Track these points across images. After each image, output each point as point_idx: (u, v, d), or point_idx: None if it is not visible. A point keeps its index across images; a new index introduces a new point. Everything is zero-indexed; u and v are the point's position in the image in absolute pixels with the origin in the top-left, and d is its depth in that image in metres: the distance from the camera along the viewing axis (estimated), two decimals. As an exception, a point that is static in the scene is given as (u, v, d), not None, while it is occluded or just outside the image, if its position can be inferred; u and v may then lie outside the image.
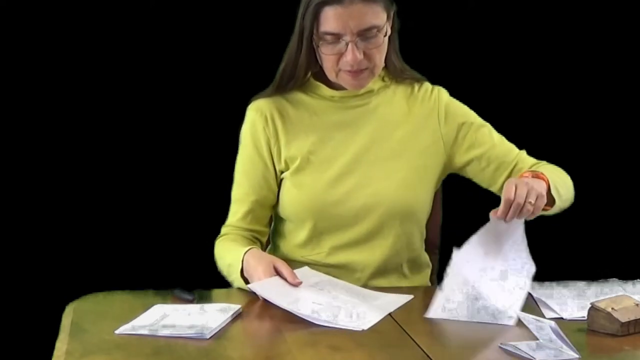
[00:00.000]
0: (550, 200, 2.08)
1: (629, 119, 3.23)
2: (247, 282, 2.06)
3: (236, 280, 2.11)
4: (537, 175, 2.08)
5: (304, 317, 1.86)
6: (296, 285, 1.99)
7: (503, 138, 2.29)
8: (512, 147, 2.28)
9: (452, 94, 2.33)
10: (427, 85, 2.30)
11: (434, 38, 3.06)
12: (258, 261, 2.06)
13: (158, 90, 3.03)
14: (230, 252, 2.16)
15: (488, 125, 2.29)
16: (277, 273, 2.02)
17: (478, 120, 2.28)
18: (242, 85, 2.40)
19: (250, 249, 2.11)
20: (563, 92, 3.20)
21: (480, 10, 3.13)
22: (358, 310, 1.91)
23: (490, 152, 2.25)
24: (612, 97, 3.21)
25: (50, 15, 2.96)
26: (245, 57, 3.01)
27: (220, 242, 2.25)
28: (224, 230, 2.27)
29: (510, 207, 1.93)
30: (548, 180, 2.08)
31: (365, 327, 1.84)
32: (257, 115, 2.23)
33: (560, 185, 2.15)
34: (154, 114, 3.04)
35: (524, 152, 2.30)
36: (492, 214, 1.94)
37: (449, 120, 2.26)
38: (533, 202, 1.95)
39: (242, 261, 2.08)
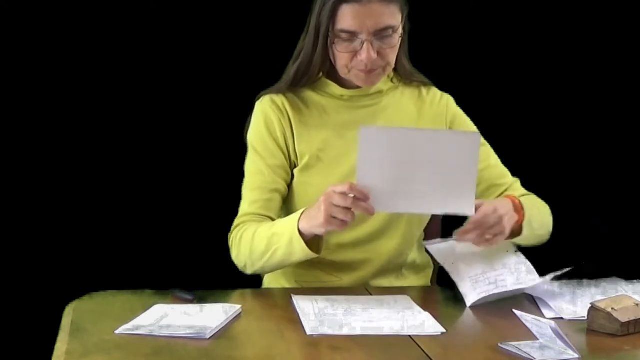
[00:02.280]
0: (517, 232, 2.10)
1: (629, 119, 3.23)
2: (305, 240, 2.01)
3: (283, 247, 2.04)
4: (516, 209, 2.08)
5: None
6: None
7: (499, 161, 2.30)
8: (506, 173, 2.30)
9: (451, 94, 2.33)
10: (436, 90, 2.31)
11: (433, 38, 3.05)
12: (315, 205, 1.98)
13: (157, 91, 3.03)
14: (273, 226, 2.09)
15: (488, 145, 2.30)
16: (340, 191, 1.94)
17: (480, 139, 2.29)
18: (242, 86, 2.40)
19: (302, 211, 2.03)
20: (564, 92, 3.20)
21: (481, 10, 3.13)
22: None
23: (484, 172, 2.24)
24: (612, 97, 3.21)
25: (50, 15, 2.96)
26: (247, 57, 3.00)
27: (246, 226, 2.15)
28: (241, 219, 2.19)
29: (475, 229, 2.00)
30: (523, 216, 2.10)
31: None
32: (271, 108, 2.22)
33: (537, 221, 2.17)
34: (154, 115, 3.04)
35: (517, 182, 2.31)
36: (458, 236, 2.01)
37: (453, 129, 2.26)
38: (491, 237, 2.01)
39: (299, 220, 2.01)
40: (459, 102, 2.34)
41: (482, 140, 2.28)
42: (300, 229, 2.01)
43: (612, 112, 3.23)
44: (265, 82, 2.29)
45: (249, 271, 2.17)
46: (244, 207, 2.20)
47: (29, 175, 3.02)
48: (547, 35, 3.18)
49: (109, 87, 3.01)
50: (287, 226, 2.04)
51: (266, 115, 2.22)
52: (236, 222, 2.20)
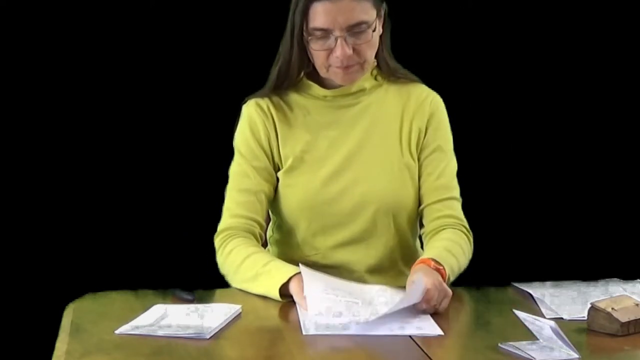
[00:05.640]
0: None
1: (629, 119, 3.23)
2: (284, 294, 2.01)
3: (262, 288, 2.05)
4: (437, 269, 2.02)
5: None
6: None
7: (451, 175, 2.25)
8: (451, 188, 2.25)
9: (450, 94, 2.32)
10: (423, 87, 2.30)
11: (433, 38, 3.06)
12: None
13: (160, 91, 3.03)
14: (261, 264, 2.08)
15: (448, 159, 2.25)
16: None
17: (445, 145, 2.26)
18: (241, 85, 2.40)
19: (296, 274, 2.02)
20: (563, 91, 3.20)
21: (479, 10, 3.13)
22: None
23: (423, 178, 2.24)
24: (612, 97, 3.21)
25: (50, 15, 2.96)
26: (241, 58, 3.01)
27: (236, 241, 2.16)
28: (229, 221, 2.20)
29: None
30: (445, 274, 2.03)
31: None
32: (256, 111, 2.24)
33: (456, 269, 2.12)
34: (154, 115, 3.04)
35: (456, 201, 2.25)
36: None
37: (428, 129, 2.25)
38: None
39: (291, 279, 2.00)
40: (449, 100, 2.32)
41: (447, 149, 2.26)
42: (283, 291, 2.00)
43: (607, 110, 3.22)
44: (258, 85, 2.29)
45: (227, 280, 2.18)
46: (231, 208, 2.22)
47: (29, 175, 3.02)
48: (544, 34, 3.17)
49: (108, 89, 3.01)
50: (275, 277, 2.03)
51: (251, 118, 2.24)
52: (223, 225, 2.21)
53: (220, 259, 2.20)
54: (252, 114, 2.24)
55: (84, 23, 2.98)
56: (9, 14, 2.95)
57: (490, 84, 3.14)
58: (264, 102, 2.24)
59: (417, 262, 2.06)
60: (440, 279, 1.98)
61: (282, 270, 2.05)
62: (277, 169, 2.24)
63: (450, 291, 1.96)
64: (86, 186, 3.04)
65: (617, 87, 3.22)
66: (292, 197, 2.21)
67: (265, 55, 2.29)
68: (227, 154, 2.31)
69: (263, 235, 2.26)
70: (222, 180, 2.35)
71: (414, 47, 2.33)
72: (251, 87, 2.29)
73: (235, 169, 2.25)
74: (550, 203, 3.22)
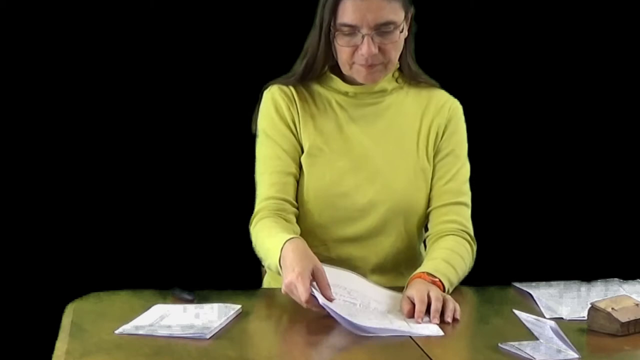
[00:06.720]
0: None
1: (629, 119, 3.23)
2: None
3: (272, 265, 2.05)
4: (433, 282, 2.02)
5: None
6: (329, 300, 1.89)
7: (464, 181, 2.25)
8: (461, 193, 2.25)
9: (452, 94, 2.32)
10: (443, 93, 2.31)
11: (434, 38, 3.05)
12: (297, 261, 1.94)
13: (156, 89, 3.03)
14: (271, 237, 2.08)
15: (461, 164, 2.26)
16: (314, 279, 1.92)
17: (459, 150, 2.27)
18: (242, 85, 2.40)
19: (292, 238, 2.01)
20: (563, 91, 3.20)
21: (481, 11, 3.13)
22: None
23: (433, 181, 2.24)
24: (612, 97, 3.21)
25: (50, 15, 2.96)
26: (252, 52, 3.00)
27: (261, 222, 2.17)
28: (261, 205, 2.20)
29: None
30: (442, 285, 2.03)
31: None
32: (280, 95, 2.25)
33: (455, 277, 2.11)
34: (153, 115, 3.03)
35: (464, 208, 2.24)
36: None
37: (445, 133, 2.26)
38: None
39: (282, 249, 1.99)
40: (461, 103, 2.33)
41: (462, 155, 2.27)
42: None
43: (606, 111, 3.22)
44: (269, 78, 2.29)
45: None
46: (263, 190, 2.21)
47: (29, 175, 3.02)
48: (545, 34, 3.17)
49: (108, 89, 3.01)
50: (274, 255, 2.03)
51: (276, 101, 2.25)
52: (256, 207, 2.21)
53: (253, 241, 2.18)
54: (277, 98, 2.25)
55: (85, 23, 2.98)
56: (9, 14, 2.95)
57: (489, 85, 3.14)
58: (287, 89, 2.25)
59: (412, 276, 2.05)
60: (436, 289, 1.97)
61: (276, 248, 2.02)
62: (301, 151, 2.24)
63: (452, 300, 1.95)
64: (86, 186, 3.04)
65: (615, 87, 3.22)
66: (307, 185, 2.22)
67: (281, 47, 2.30)
68: (228, 154, 2.31)
69: (297, 213, 2.23)
70: (222, 180, 2.36)
71: (419, 50, 2.33)
72: (262, 82, 2.29)
73: (265, 152, 2.24)
74: (551, 203, 3.22)
